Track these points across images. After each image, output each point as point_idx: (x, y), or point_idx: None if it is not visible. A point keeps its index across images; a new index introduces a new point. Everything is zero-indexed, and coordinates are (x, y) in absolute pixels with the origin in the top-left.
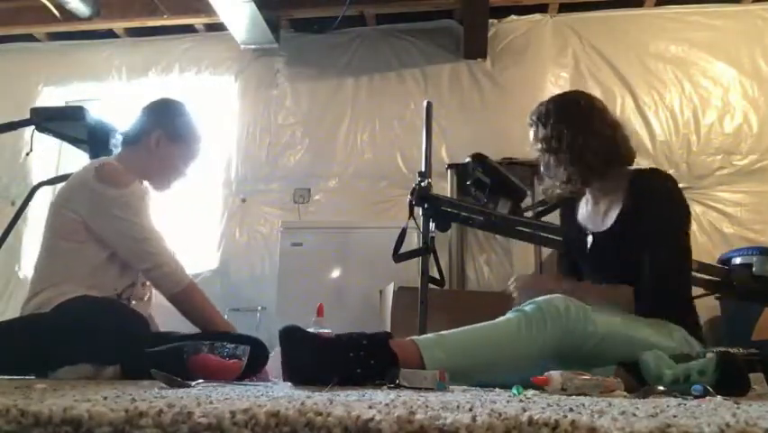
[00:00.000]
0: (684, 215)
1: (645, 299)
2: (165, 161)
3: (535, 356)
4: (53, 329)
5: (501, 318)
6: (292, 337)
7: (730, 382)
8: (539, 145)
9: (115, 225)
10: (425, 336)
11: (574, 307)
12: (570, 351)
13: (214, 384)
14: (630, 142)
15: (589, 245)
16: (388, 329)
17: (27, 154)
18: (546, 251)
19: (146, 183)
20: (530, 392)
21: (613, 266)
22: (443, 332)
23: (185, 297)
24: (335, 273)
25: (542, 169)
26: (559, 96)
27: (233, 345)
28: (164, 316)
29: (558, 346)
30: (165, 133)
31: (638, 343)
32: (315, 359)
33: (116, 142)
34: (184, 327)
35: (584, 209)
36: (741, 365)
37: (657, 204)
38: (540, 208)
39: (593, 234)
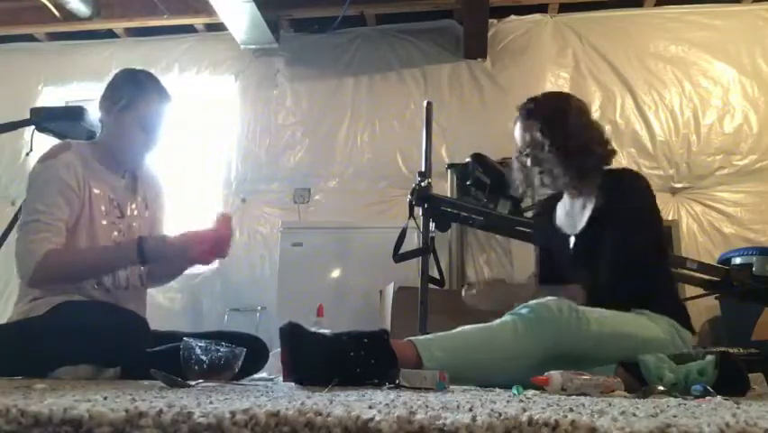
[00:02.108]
0: (648, 213)
1: (602, 293)
2: (124, 130)
3: (532, 358)
4: (54, 331)
5: (497, 321)
6: (294, 336)
7: (730, 382)
8: (533, 143)
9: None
10: (422, 336)
11: (566, 307)
12: (566, 351)
13: (214, 384)
14: (612, 143)
15: (572, 246)
16: (388, 329)
17: (27, 154)
18: None
19: (77, 159)
20: (530, 392)
21: (590, 266)
22: (439, 333)
23: (44, 273)
24: (335, 273)
25: (525, 170)
26: (551, 96)
27: (229, 347)
28: (163, 315)
29: (553, 347)
30: (113, 104)
31: (632, 339)
32: (316, 358)
33: None
34: (183, 326)
35: (561, 212)
36: (741, 366)
37: (621, 201)
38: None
39: (575, 235)
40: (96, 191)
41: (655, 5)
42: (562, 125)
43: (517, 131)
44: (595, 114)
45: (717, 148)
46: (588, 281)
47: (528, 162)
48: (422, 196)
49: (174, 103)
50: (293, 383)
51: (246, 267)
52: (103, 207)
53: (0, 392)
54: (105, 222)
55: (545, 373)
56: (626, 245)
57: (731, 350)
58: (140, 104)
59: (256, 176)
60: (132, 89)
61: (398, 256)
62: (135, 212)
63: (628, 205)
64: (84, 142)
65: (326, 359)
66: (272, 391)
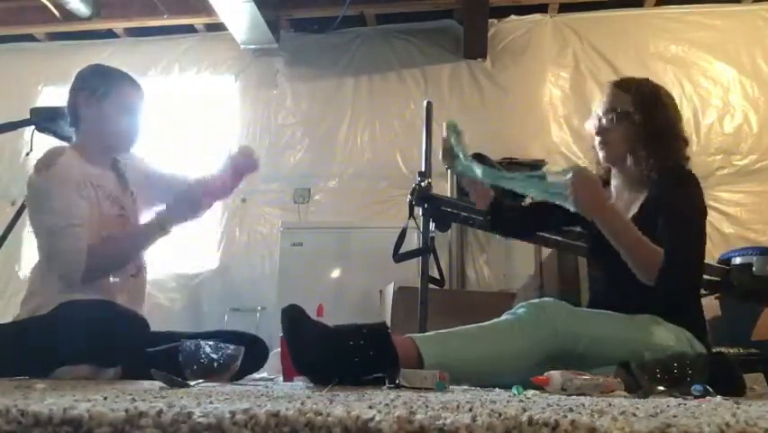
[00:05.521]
0: (701, 208)
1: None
2: (110, 115)
3: (529, 358)
4: (54, 330)
5: (495, 320)
6: (295, 322)
7: (722, 383)
8: (621, 113)
9: (33, 216)
10: (421, 334)
11: (565, 310)
12: (561, 353)
13: (214, 384)
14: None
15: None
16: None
17: (27, 154)
18: (546, 251)
19: (74, 161)
20: (530, 392)
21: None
22: (439, 331)
23: (92, 269)
24: (335, 273)
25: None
26: (648, 80)
27: (229, 347)
28: (163, 315)
29: (549, 348)
30: (89, 93)
31: (636, 342)
32: (316, 344)
33: None
34: (183, 326)
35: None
36: (733, 366)
37: (677, 193)
38: None
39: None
40: (98, 189)
41: (655, 5)
42: (654, 107)
43: (607, 96)
44: None
45: (717, 148)
46: (611, 274)
47: (606, 125)
48: (422, 196)
49: (166, 101)
50: (295, 366)
51: (246, 267)
52: (108, 203)
53: (0, 392)
54: (112, 217)
55: (545, 373)
56: (688, 245)
57: (731, 350)
58: (117, 89)
59: (256, 176)
60: (105, 78)
61: (398, 256)
62: (131, 204)
63: (685, 199)
64: (69, 145)
65: (326, 346)
66: (272, 391)
